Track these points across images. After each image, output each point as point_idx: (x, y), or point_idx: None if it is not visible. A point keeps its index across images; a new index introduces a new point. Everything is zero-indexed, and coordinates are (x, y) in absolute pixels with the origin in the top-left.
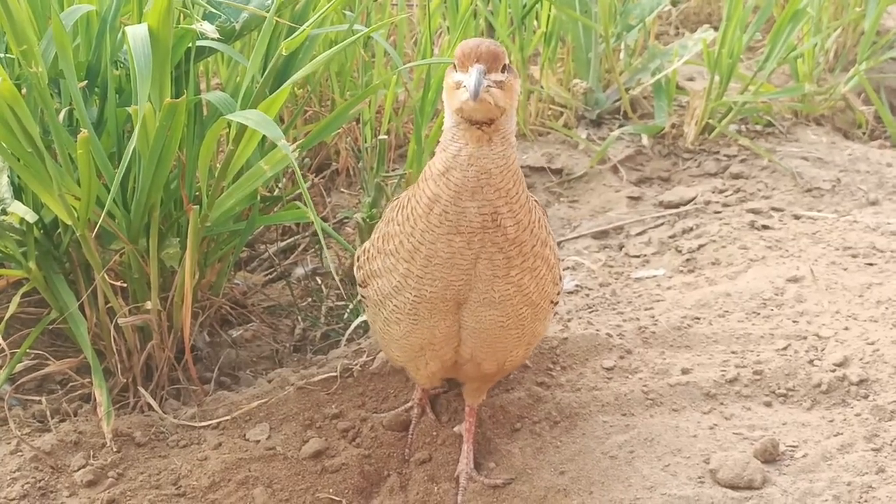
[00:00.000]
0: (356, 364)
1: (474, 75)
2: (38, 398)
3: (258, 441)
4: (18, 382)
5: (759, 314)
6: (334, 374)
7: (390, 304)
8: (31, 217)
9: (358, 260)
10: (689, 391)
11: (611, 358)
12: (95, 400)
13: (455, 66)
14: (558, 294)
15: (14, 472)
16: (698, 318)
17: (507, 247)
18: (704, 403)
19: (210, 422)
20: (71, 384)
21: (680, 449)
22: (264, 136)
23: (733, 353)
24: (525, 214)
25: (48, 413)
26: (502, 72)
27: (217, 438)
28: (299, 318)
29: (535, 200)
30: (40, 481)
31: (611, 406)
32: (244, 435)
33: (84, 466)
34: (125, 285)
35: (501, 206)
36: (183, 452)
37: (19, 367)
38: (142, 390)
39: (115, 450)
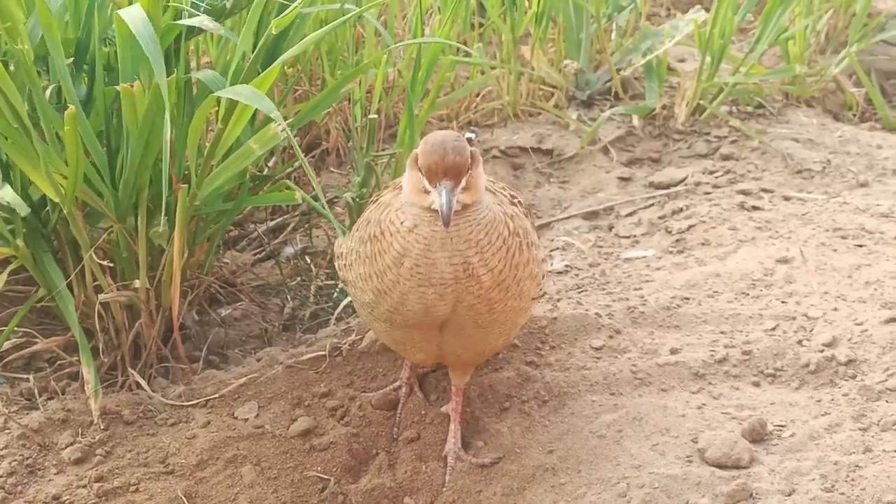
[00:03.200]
0: (345, 343)
1: (444, 197)
2: (25, 376)
3: (247, 419)
4: (6, 360)
5: (748, 294)
6: (323, 353)
7: (367, 309)
8: (21, 209)
9: (338, 258)
10: (678, 371)
11: (600, 338)
12: (83, 378)
13: (419, 168)
14: (542, 289)
15: (1, 449)
16: (687, 299)
17: (486, 293)
18: (693, 383)
19: (198, 400)
20: (59, 362)
21: (668, 428)
22: (254, 116)
23: (722, 333)
24: (502, 258)
25: (36, 391)
26: (468, 169)
27: (205, 417)
28: (288, 297)
29: (517, 202)
30: (28, 458)
31: (599, 385)
32: (233, 413)
33: (72, 444)
34: (113, 264)
35: (472, 257)
36: (171, 431)
37: (7, 345)
38: (130, 369)
39: (102, 427)
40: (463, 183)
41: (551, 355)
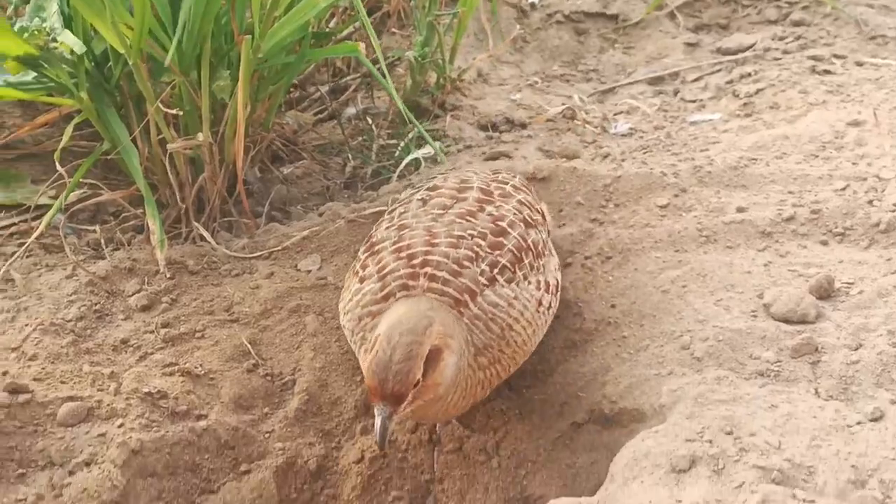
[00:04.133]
0: None
1: (378, 423)
2: (92, 228)
3: (309, 271)
4: (72, 210)
5: (817, 156)
6: (385, 207)
7: None
8: (79, 48)
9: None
10: (745, 229)
11: (665, 196)
12: (148, 229)
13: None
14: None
15: (70, 295)
16: (755, 160)
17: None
18: (759, 241)
19: (261, 252)
20: (124, 215)
21: (733, 284)
22: None
23: (790, 193)
24: (485, 383)
25: (102, 241)
26: (415, 386)
27: (269, 268)
28: (350, 156)
29: (534, 219)
30: (96, 304)
31: (664, 242)
32: (295, 265)
33: (138, 291)
34: (177, 118)
35: (449, 412)
36: (235, 281)
37: (73, 196)
38: (194, 222)
39: (168, 277)
40: (407, 402)
41: (615, 213)
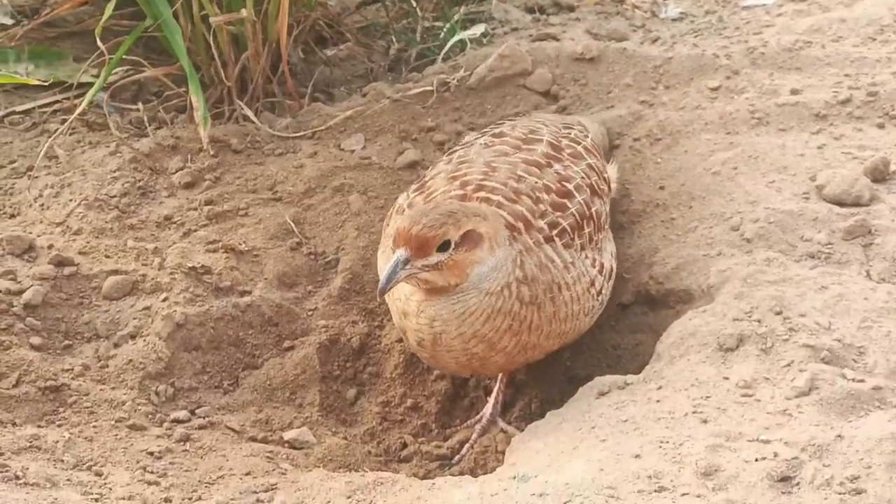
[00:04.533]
0: (453, 79)
1: (389, 265)
2: (134, 107)
3: (353, 151)
4: (115, 88)
5: (875, 39)
6: (430, 88)
7: None
8: None
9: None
10: (798, 111)
11: (716, 78)
12: (191, 107)
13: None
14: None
15: (114, 171)
16: (810, 42)
17: (514, 356)
18: (813, 124)
19: (305, 132)
20: (167, 94)
21: (786, 166)
22: None
23: (846, 75)
24: (514, 336)
25: (145, 120)
26: (443, 250)
27: (312, 148)
28: (394, 38)
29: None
30: (140, 181)
31: (715, 124)
32: (339, 145)
33: (182, 169)
34: None
35: (475, 348)
36: (279, 160)
37: (115, 75)
38: (237, 101)
39: (212, 154)
40: (433, 255)
41: (665, 95)
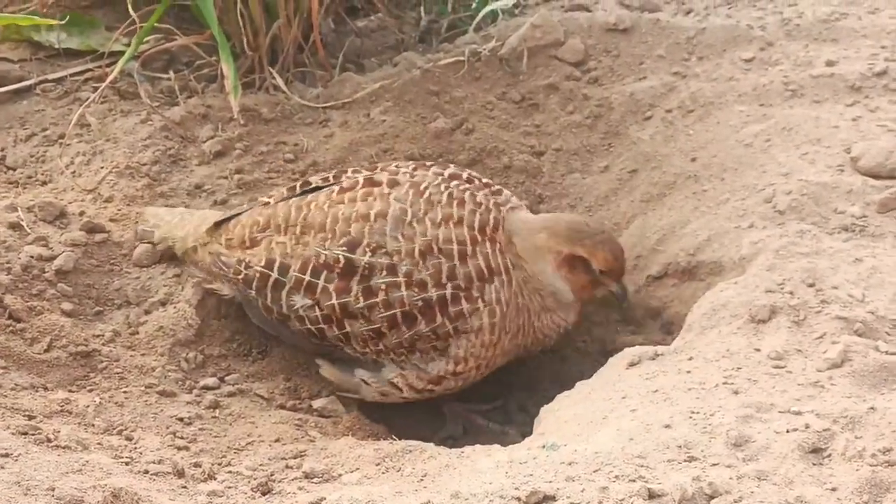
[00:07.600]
0: (485, 49)
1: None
2: (165, 76)
3: (384, 120)
4: (146, 57)
5: None
6: (461, 58)
7: None
8: None
9: None
10: (833, 83)
11: (750, 49)
12: (222, 76)
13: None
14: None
15: (145, 139)
16: (846, 14)
17: None
18: (848, 96)
19: (335, 102)
20: (197, 63)
21: (819, 139)
22: None
23: (883, 47)
24: None
25: (176, 88)
26: None
27: (342, 118)
28: (425, 8)
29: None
30: (170, 149)
31: (748, 96)
32: (369, 115)
33: (212, 137)
34: None
35: None
36: (309, 129)
37: (147, 44)
38: (269, 68)
39: (242, 123)
40: None
41: (698, 66)
